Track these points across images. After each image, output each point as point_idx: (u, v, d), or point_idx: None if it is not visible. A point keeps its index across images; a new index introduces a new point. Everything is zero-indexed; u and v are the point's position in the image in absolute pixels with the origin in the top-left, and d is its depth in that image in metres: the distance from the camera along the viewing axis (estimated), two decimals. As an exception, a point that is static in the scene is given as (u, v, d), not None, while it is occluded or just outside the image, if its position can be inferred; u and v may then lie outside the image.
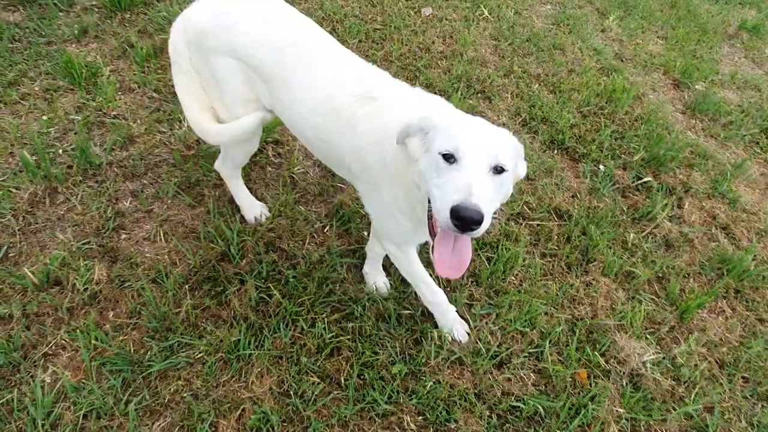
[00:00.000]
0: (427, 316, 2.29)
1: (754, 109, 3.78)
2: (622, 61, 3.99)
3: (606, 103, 3.49)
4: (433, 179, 1.52)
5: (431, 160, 1.54)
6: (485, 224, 1.39)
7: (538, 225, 2.72)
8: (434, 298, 2.18)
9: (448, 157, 1.50)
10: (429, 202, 1.56)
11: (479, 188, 1.42)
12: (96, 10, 3.53)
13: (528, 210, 2.78)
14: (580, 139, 3.21)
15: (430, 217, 1.60)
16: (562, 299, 2.43)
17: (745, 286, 2.64)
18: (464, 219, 1.36)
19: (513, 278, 2.48)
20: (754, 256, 2.76)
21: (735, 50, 4.51)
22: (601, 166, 3.06)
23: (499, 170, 1.51)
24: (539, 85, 3.56)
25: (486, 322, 2.30)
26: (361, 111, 1.83)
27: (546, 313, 2.36)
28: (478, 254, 2.51)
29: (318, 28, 2.04)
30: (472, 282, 2.43)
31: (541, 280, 2.50)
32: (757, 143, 3.54)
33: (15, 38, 3.20)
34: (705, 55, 4.24)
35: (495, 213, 1.54)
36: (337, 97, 1.87)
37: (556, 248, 2.63)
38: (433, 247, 1.59)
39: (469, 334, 2.26)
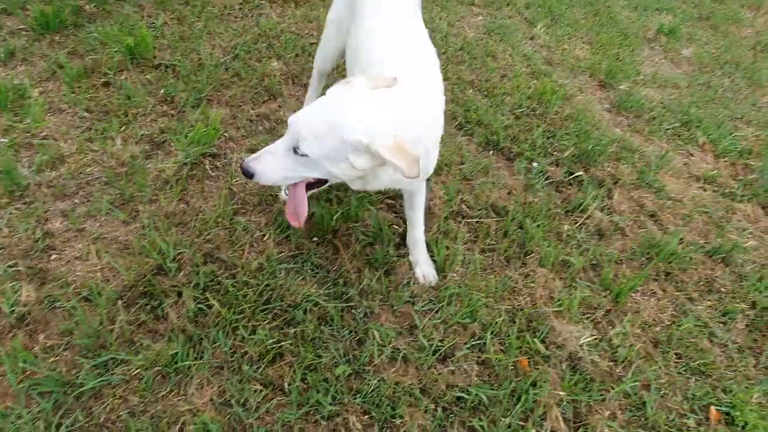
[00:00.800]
0: (370, 315, 2.30)
1: (674, 105, 4.00)
2: (550, 65, 4.16)
3: (537, 104, 3.63)
4: None
5: None
6: (262, 179, 1.85)
7: (476, 222, 2.78)
8: None
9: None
10: None
11: (267, 156, 1.83)
12: (24, 33, 3.45)
13: (466, 208, 2.84)
14: (514, 140, 3.32)
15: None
16: (501, 291, 2.49)
17: (674, 268, 2.76)
18: (242, 172, 1.86)
19: (453, 275, 2.53)
20: (681, 239, 2.90)
21: (655, 52, 4.78)
22: (535, 164, 3.17)
23: (298, 152, 1.79)
24: (473, 90, 3.68)
25: (429, 318, 2.33)
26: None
27: (486, 306, 2.41)
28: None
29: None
30: (413, 280, 2.46)
31: (481, 274, 2.55)
32: (679, 136, 3.74)
33: (-66, 64, 3.10)
34: (627, 58, 4.47)
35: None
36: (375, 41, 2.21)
37: (495, 243, 2.70)
38: None
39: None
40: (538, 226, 2.78)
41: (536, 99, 3.65)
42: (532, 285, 2.55)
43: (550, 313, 2.44)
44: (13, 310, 2.10)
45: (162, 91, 3.19)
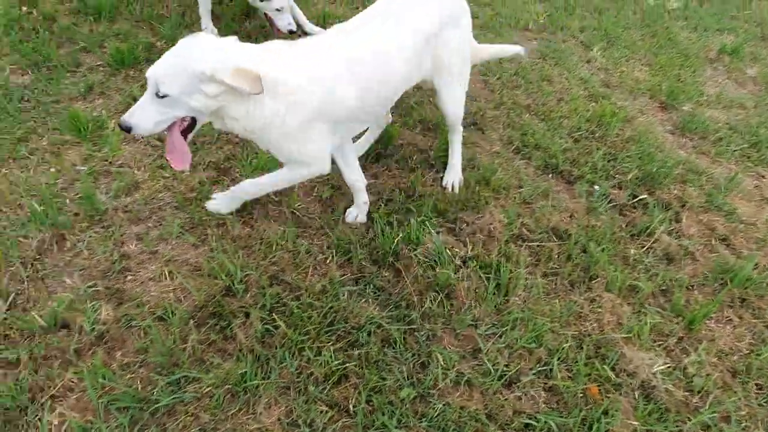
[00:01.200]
0: (433, 338, 2.30)
1: (741, 126, 3.87)
2: (608, 87, 4.11)
3: (596, 127, 3.58)
4: None
5: None
6: (139, 130, 2.10)
7: (538, 246, 2.75)
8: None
9: None
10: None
11: (137, 110, 2.08)
12: (101, 68, 3.69)
13: (527, 232, 2.81)
14: (574, 163, 3.28)
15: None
16: (567, 316, 2.43)
17: (749, 294, 2.64)
18: (120, 128, 2.13)
19: (516, 298, 2.49)
20: (756, 264, 2.77)
21: (718, 72, 4.65)
22: (596, 187, 3.12)
23: (160, 95, 2.02)
24: (529, 114, 3.67)
25: (492, 342, 2.30)
26: None
27: (552, 331, 2.36)
28: (479, 276, 2.53)
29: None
30: (475, 304, 2.44)
31: (544, 299, 2.50)
32: (748, 158, 3.60)
33: (24, 98, 3.34)
34: (689, 79, 4.37)
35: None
36: None
37: (557, 267, 2.65)
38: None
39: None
40: (603, 249, 2.72)
41: (595, 122, 3.61)
42: (599, 310, 2.48)
43: (619, 340, 2.36)
44: (94, 328, 2.20)
45: (227, 120, 3.32)
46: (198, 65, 2.00)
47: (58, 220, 2.60)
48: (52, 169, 2.91)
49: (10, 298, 2.27)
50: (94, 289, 2.36)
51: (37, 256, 2.47)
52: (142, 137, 2.58)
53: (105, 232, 2.62)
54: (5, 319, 2.19)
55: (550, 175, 3.21)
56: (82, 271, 2.44)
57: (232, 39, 2.18)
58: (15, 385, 1.98)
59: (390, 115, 3.10)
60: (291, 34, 3.85)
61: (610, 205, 3.03)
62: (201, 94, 2.04)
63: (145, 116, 2.09)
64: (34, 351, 2.09)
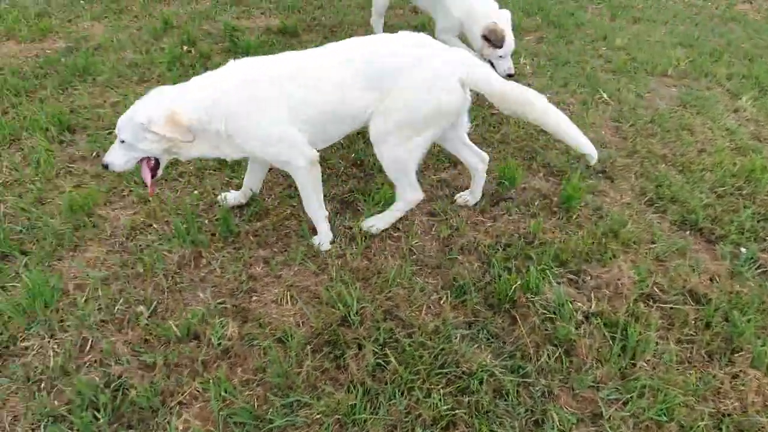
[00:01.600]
0: (548, 395, 2.17)
1: None
2: (759, 141, 3.75)
3: (744, 183, 3.26)
4: None
5: None
6: (113, 167, 2.56)
7: (671, 308, 2.52)
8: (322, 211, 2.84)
9: None
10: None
11: (110, 150, 2.57)
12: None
13: (659, 292, 2.60)
14: (716, 220, 3.00)
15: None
16: (703, 390, 2.19)
17: None
18: (102, 166, 2.61)
19: (644, 364, 2.29)
20: None
21: None
22: (743, 249, 2.82)
23: (122, 141, 2.50)
24: (666, 165, 3.44)
25: (615, 409, 2.12)
26: None
27: (685, 405, 2.13)
28: (603, 334, 2.37)
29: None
30: (596, 364, 2.28)
31: (677, 367, 2.28)
32: None
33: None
34: None
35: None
36: None
37: (694, 334, 2.41)
38: None
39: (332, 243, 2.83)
40: (749, 320, 2.43)
41: (743, 177, 3.29)
42: (742, 388, 2.21)
43: (766, 424, 2.08)
44: (220, 343, 2.34)
45: (353, 155, 3.47)
46: (138, 117, 2.41)
47: (198, 238, 2.84)
48: (196, 192, 3.20)
49: (153, 306, 2.50)
50: (222, 305, 2.53)
51: (177, 270, 2.70)
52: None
53: (236, 253, 2.81)
54: (147, 324, 2.41)
55: (688, 232, 2.96)
56: (214, 288, 2.63)
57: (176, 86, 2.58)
58: (150, 387, 2.15)
59: (484, 153, 3.04)
60: (509, 77, 3.86)
61: (759, 270, 2.72)
62: (148, 140, 2.45)
63: (115, 157, 2.55)
64: (168, 357, 2.27)
